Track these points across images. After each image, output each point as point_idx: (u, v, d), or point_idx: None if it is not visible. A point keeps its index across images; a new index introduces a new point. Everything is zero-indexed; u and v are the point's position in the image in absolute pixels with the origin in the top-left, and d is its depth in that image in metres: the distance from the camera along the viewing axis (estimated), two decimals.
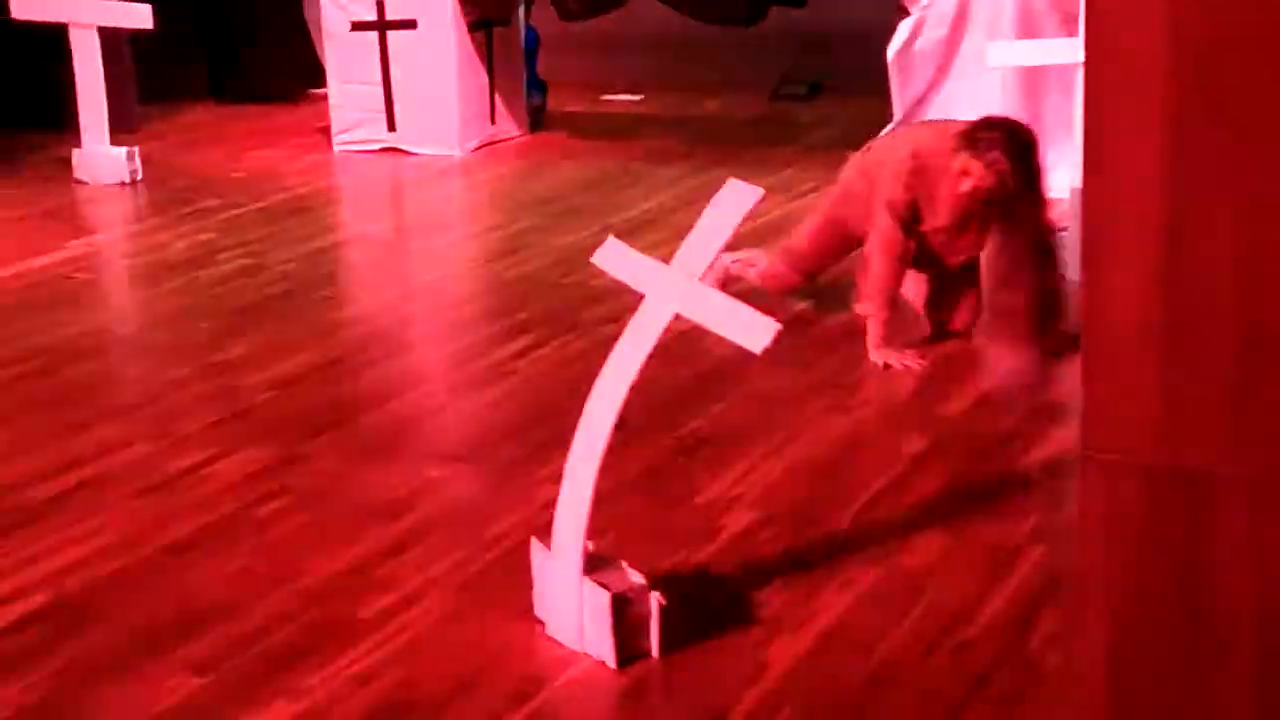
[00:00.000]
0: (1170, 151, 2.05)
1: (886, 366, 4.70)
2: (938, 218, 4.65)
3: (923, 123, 4.85)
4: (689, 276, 3.12)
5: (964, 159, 4.48)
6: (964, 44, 6.74)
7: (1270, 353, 2.04)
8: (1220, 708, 2.16)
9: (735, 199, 3.11)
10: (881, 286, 4.72)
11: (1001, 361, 4.61)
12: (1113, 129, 2.13)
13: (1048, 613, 3.28)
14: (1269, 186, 1.99)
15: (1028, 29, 6.50)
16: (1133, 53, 2.06)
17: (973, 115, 6.30)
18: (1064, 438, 4.07)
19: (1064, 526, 3.55)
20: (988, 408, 4.44)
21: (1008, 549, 3.59)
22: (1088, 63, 2.15)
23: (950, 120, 5.00)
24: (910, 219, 4.66)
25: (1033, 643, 3.20)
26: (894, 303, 4.77)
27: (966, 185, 4.50)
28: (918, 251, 4.75)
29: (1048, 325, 4.56)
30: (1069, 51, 5.48)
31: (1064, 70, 5.83)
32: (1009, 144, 4.47)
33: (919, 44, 6.84)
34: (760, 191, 3.10)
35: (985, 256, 4.82)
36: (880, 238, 4.69)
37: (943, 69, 6.84)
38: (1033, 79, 6.53)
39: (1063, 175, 6.08)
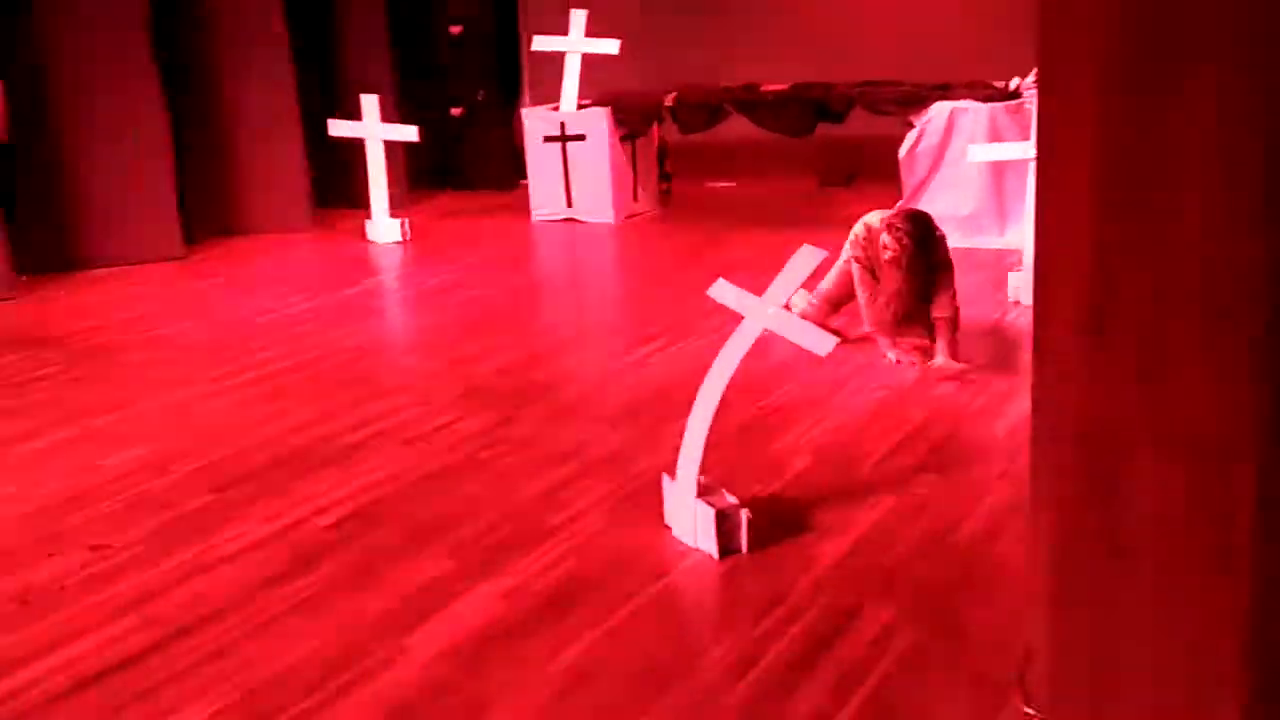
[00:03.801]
0: (1094, 222, 2.03)
1: (898, 362, 4.67)
2: (881, 273, 4.70)
3: (874, 211, 4.86)
4: (776, 305, 3.16)
5: (885, 237, 4.61)
6: (951, 146, 6.65)
7: (1175, 339, 2.01)
8: (1121, 599, 2.13)
9: (807, 258, 3.16)
10: (870, 312, 4.75)
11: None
12: (1054, 206, 2.11)
13: (1010, 528, 3.24)
14: (1170, 266, 1.97)
15: (995, 136, 6.41)
16: (1068, 154, 2.05)
17: (959, 197, 6.24)
18: (1019, 410, 4.00)
19: (1020, 471, 3.50)
20: (965, 389, 4.38)
21: (984, 482, 3.54)
22: (1038, 159, 2.14)
23: (887, 210, 4.99)
24: (871, 270, 4.72)
25: (1000, 547, 3.16)
26: (884, 321, 4.71)
27: (887, 255, 4.61)
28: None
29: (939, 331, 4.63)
30: (1025, 150, 5.41)
31: (1022, 163, 5.74)
32: (912, 228, 4.57)
33: (920, 147, 6.76)
34: (825, 253, 3.16)
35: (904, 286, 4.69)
36: (858, 282, 4.77)
37: (936, 164, 6.75)
38: (999, 170, 6.43)
39: (1020, 233, 5.99)
